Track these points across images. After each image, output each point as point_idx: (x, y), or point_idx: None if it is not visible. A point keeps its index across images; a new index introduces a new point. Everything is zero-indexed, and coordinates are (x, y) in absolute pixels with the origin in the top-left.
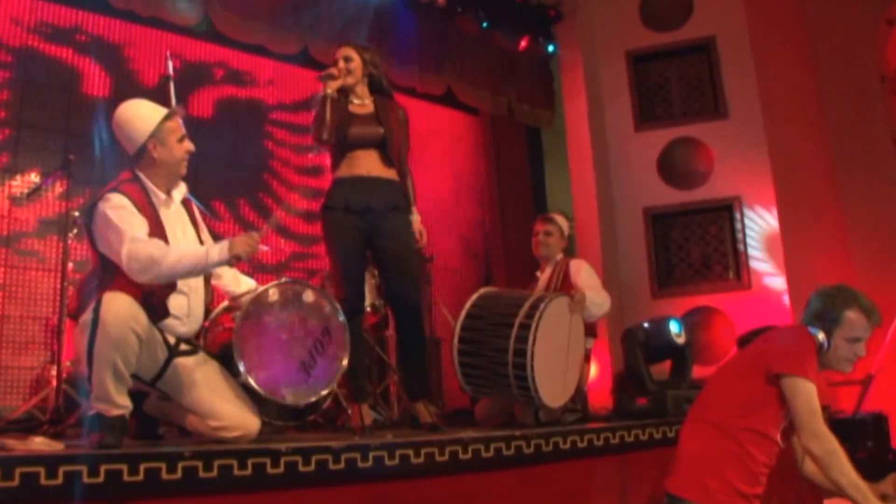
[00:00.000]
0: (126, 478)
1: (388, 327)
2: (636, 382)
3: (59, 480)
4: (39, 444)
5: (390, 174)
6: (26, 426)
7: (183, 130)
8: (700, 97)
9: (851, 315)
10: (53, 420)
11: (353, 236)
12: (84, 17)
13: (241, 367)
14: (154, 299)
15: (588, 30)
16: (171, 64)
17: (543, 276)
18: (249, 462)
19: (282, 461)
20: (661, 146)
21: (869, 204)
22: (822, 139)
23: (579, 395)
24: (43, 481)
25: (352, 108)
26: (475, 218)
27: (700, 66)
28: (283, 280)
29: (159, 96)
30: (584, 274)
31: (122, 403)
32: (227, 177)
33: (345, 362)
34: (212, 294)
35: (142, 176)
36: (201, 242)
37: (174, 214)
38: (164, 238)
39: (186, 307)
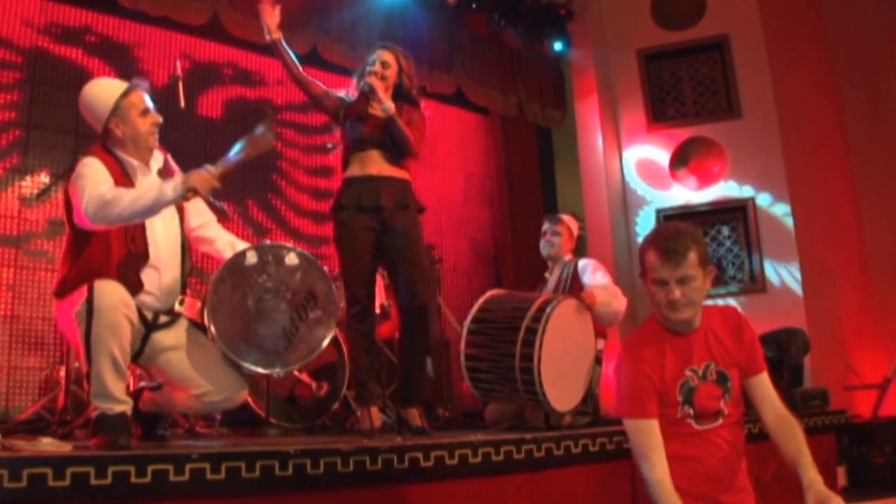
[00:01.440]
0: (133, 479)
1: (397, 329)
2: None
3: (67, 482)
4: (47, 444)
5: (401, 174)
6: (35, 427)
7: (146, 104)
8: (713, 96)
9: (649, 256)
10: (62, 421)
11: (365, 236)
12: (93, 17)
13: (213, 333)
14: (129, 274)
15: (599, 29)
16: (179, 64)
17: (552, 277)
18: (258, 464)
19: (290, 463)
20: (674, 146)
21: (885, 204)
22: (838, 139)
23: (590, 397)
24: (50, 482)
25: (371, 110)
26: (485, 218)
27: (713, 64)
28: (265, 243)
29: (169, 96)
30: (590, 272)
31: (122, 398)
32: (235, 177)
33: (331, 328)
34: (190, 266)
35: (114, 149)
36: (179, 210)
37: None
38: None
39: (157, 282)
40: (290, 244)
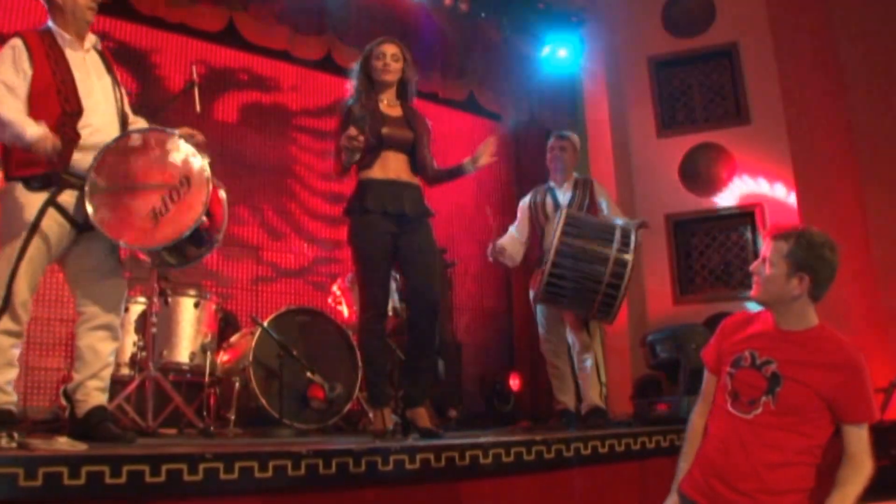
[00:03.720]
0: (148, 478)
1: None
2: (656, 388)
3: (82, 481)
4: (63, 444)
5: (416, 180)
6: (52, 427)
7: None
8: (722, 103)
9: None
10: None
11: (386, 240)
12: (111, 23)
13: (89, 210)
14: (66, 129)
15: (610, 35)
16: (195, 70)
17: (563, 191)
18: (270, 464)
19: (302, 464)
20: (683, 152)
21: (892, 209)
22: (846, 146)
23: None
24: (66, 481)
25: (383, 108)
26: (496, 223)
27: (722, 71)
28: (151, 126)
29: (185, 101)
30: (606, 194)
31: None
32: (251, 181)
33: (202, 214)
34: None
35: (52, 24)
36: (118, 87)
37: (90, 61)
38: (69, 76)
39: (94, 138)
40: (176, 130)
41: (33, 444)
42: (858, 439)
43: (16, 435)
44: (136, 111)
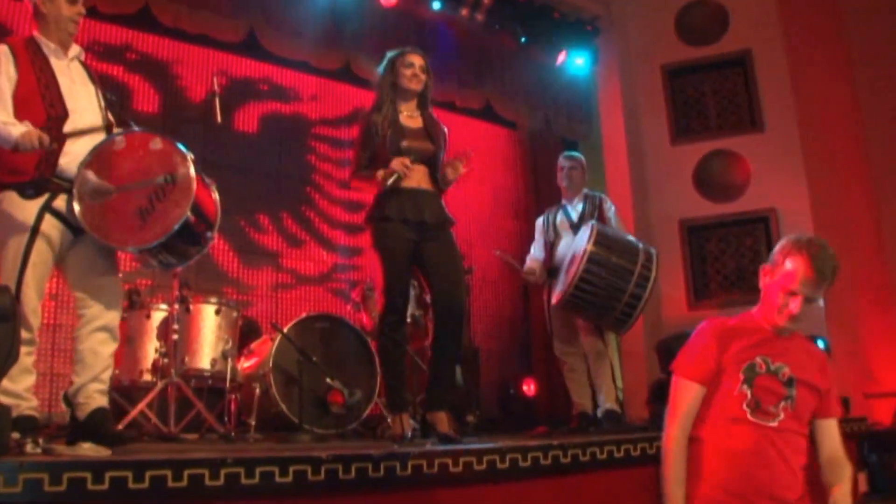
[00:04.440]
0: (170, 483)
1: (427, 337)
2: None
3: (106, 486)
4: (87, 450)
5: (436, 188)
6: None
7: None
8: (736, 110)
9: (795, 261)
10: None
11: (407, 247)
12: (134, 35)
13: (77, 211)
14: (52, 131)
15: (624, 44)
16: (216, 81)
17: (574, 206)
18: (291, 469)
19: (322, 469)
20: (697, 159)
21: None
22: (859, 152)
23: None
24: (90, 486)
25: (402, 120)
26: (512, 229)
27: (736, 79)
28: (134, 128)
29: (206, 111)
30: (615, 211)
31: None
32: (270, 190)
33: (188, 210)
34: None
35: (36, 35)
36: (103, 98)
37: (73, 69)
38: (54, 82)
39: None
40: (156, 130)
41: (57, 449)
42: (837, 433)
43: (40, 440)
44: (161, 123)
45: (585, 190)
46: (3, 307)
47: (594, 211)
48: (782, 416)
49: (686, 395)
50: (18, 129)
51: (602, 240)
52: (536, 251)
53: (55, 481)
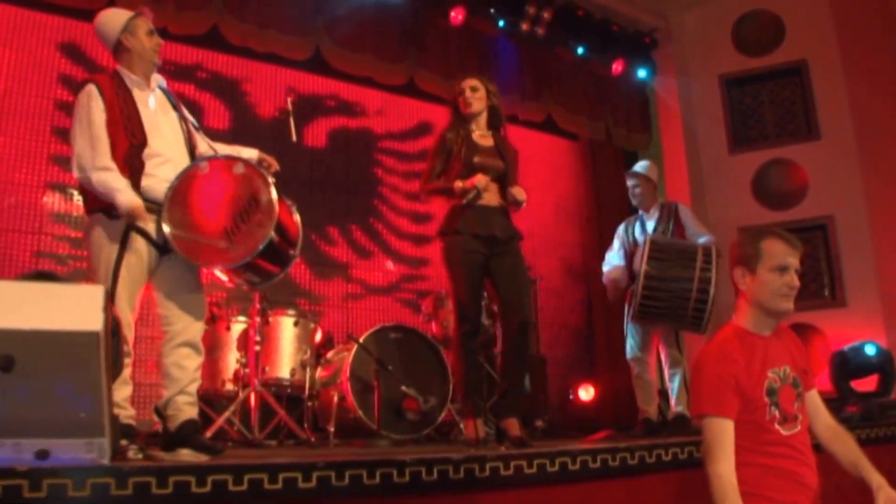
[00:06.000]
0: (266, 486)
1: (496, 345)
2: None
3: (208, 488)
4: (186, 455)
5: (504, 204)
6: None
7: (150, 26)
8: (793, 119)
9: (769, 244)
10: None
11: (478, 261)
12: (204, 55)
13: (166, 231)
14: (133, 160)
15: (682, 55)
16: (290, 99)
17: (651, 217)
18: (377, 472)
19: (407, 471)
20: (755, 168)
21: None
22: None
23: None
24: (193, 489)
25: (475, 138)
26: (575, 240)
27: (792, 88)
28: (217, 154)
29: (277, 128)
30: (692, 217)
31: None
32: (339, 203)
33: (271, 230)
34: None
35: (120, 68)
36: (184, 122)
37: (156, 98)
38: (135, 112)
39: (162, 168)
40: (240, 157)
41: (158, 455)
42: (822, 402)
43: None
44: (232, 139)
45: (661, 199)
46: (113, 321)
47: (669, 219)
48: (800, 416)
49: (724, 431)
50: (126, 197)
51: (656, 254)
52: (615, 257)
53: (162, 484)
